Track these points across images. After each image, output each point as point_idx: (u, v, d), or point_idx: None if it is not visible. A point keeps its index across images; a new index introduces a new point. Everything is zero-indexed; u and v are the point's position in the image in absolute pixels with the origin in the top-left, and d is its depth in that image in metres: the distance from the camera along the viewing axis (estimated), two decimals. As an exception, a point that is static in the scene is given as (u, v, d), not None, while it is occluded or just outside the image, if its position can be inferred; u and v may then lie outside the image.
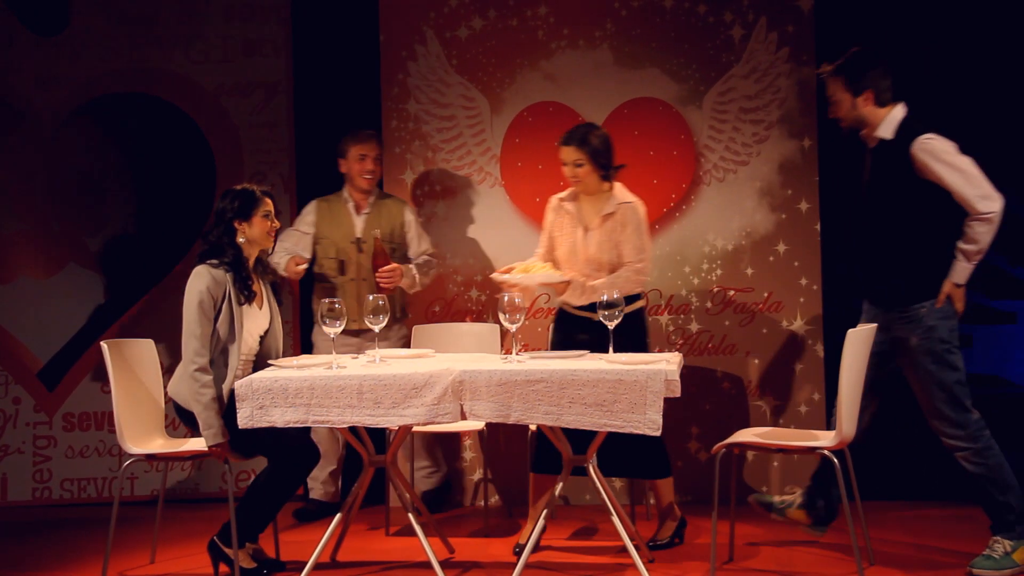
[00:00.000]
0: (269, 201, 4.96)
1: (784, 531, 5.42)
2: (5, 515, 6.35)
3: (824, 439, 4.65)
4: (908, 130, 4.64)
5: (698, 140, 6.15)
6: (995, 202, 4.55)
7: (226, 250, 4.86)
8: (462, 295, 6.25)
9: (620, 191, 5.23)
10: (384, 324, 4.83)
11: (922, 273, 4.67)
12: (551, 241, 5.36)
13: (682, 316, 6.13)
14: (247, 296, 4.86)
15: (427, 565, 4.74)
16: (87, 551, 5.42)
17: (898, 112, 4.71)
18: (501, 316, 4.75)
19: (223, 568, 4.84)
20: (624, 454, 5.10)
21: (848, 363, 4.48)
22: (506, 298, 4.74)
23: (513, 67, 6.26)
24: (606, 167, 5.15)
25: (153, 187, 6.66)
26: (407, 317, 6.04)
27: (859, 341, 4.52)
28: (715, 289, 6.10)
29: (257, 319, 4.94)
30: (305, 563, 4.74)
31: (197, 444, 4.86)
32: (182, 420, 4.90)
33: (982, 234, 4.57)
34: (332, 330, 4.73)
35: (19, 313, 6.63)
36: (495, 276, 5.21)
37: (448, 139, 6.30)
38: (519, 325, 4.79)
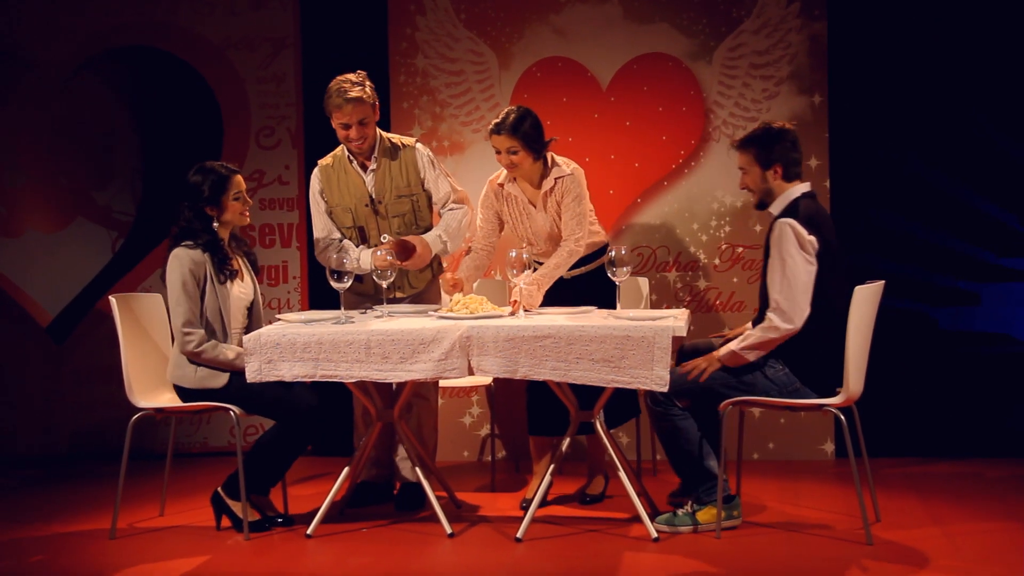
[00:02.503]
0: (239, 179, 4.93)
1: (790, 489, 5.45)
2: (15, 468, 6.39)
3: (831, 396, 4.65)
4: (789, 210, 4.58)
5: (707, 96, 6.11)
6: (789, 321, 4.46)
7: (199, 233, 4.86)
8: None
9: (557, 165, 5.16)
10: (391, 279, 4.84)
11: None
12: (494, 225, 5.31)
13: (690, 273, 6.12)
14: (228, 274, 4.88)
15: (435, 519, 4.77)
16: (96, 504, 5.46)
17: (796, 191, 4.65)
18: (509, 272, 4.75)
19: (225, 520, 4.88)
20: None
21: (855, 320, 4.47)
22: (513, 254, 4.74)
23: (522, 21, 6.21)
24: (539, 150, 5.09)
25: (160, 141, 6.66)
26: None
27: (866, 298, 4.51)
28: (723, 246, 6.08)
29: (242, 292, 4.96)
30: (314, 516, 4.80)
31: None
32: (185, 401, 4.90)
33: (761, 336, 4.51)
34: (340, 285, 4.75)
35: (27, 267, 6.65)
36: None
37: (456, 94, 6.27)
38: (527, 279, 4.80)
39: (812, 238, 4.50)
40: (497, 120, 5.06)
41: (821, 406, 4.58)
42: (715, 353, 4.64)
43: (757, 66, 6.06)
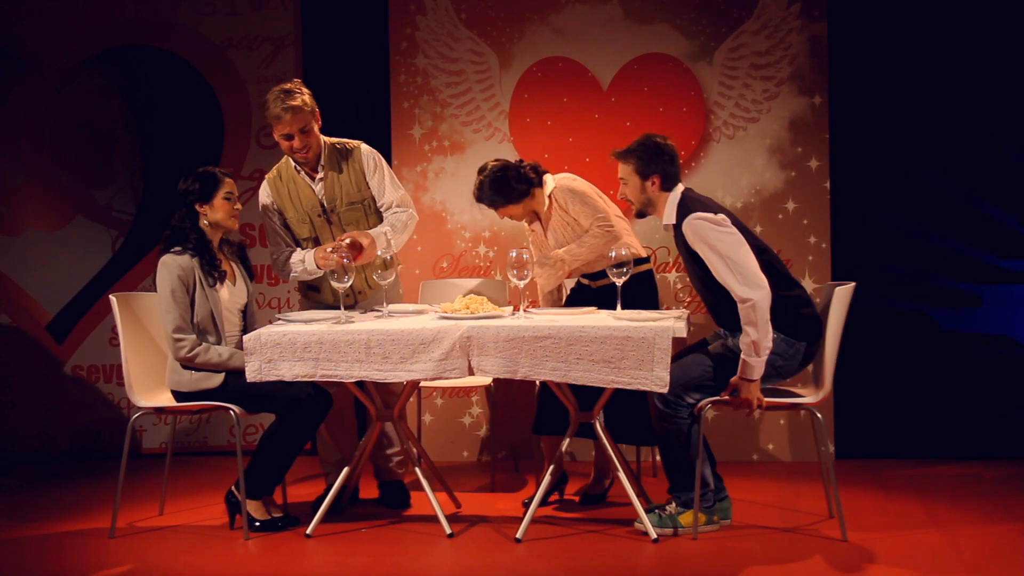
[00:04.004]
0: (230, 182, 4.94)
1: (789, 490, 5.45)
2: (15, 466, 6.39)
3: (807, 395, 4.66)
4: (683, 210, 4.63)
5: (708, 97, 6.11)
6: (755, 289, 4.45)
7: (188, 235, 4.86)
8: (470, 251, 6.25)
9: (547, 183, 5.16)
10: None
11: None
12: None
13: (690, 273, 6.11)
14: (217, 277, 4.88)
15: (434, 519, 4.77)
16: (96, 503, 5.46)
17: (676, 194, 4.71)
18: (509, 272, 4.75)
19: (239, 519, 4.87)
20: (626, 419, 5.13)
21: (833, 320, 4.53)
22: (514, 254, 4.74)
23: (522, 21, 6.21)
24: (521, 194, 5.09)
25: (160, 140, 6.66)
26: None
27: (842, 299, 4.56)
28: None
29: (234, 296, 4.96)
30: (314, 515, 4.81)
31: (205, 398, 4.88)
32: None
33: (747, 322, 4.45)
34: (341, 285, 4.73)
35: (27, 266, 6.65)
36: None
37: (457, 94, 6.27)
38: (527, 281, 4.80)
39: (720, 215, 4.58)
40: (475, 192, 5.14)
41: (797, 405, 4.59)
42: (743, 381, 4.56)
43: (758, 67, 6.06)
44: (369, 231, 5.04)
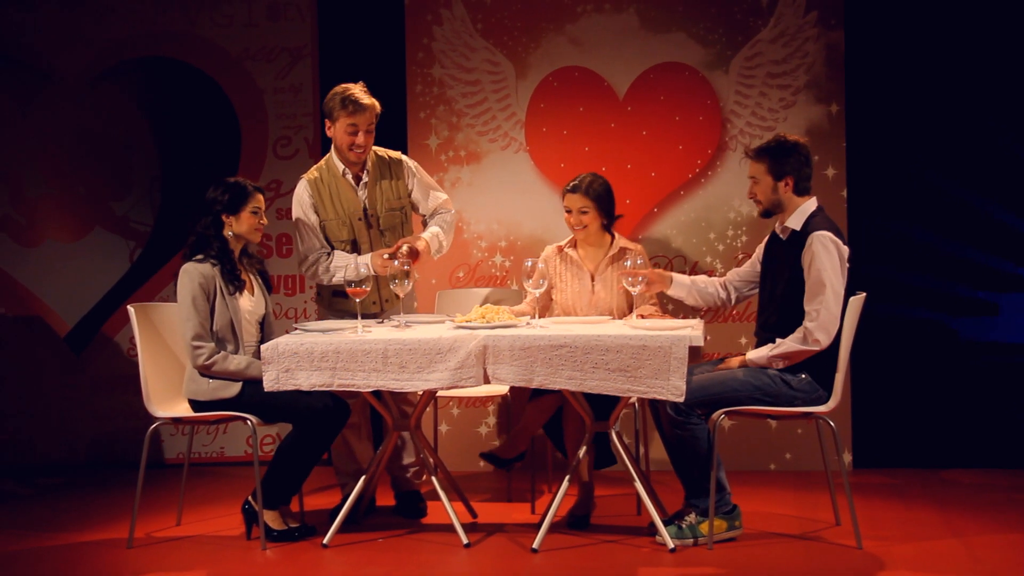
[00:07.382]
0: (260, 197, 4.95)
1: (808, 499, 5.43)
2: (33, 476, 6.41)
3: (820, 405, 4.65)
4: (815, 223, 4.63)
5: (724, 106, 6.10)
6: (830, 338, 4.52)
7: (211, 242, 4.87)
8: (486, 260, 6.25)
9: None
10: (409, 288, 4.82)
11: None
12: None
13: (707, 282, 6.10)
14: (236, 286, 4.89)
15: (451, 529, 4.77)
16: (114, 513, 5.47)
17: (812, 204, 4.72)
18: (525, 281, 4.76)
19: (256, 530, 4.88)
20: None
21: (846, 330, 4.53)
22: (530, 263, 4.75)
23: (538, 31, 6.22)
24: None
25: (178, 151, 6.68)
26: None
27: (856, 309, 4.55)
28: (740, 256, 6.07)
29: (252, 306, 4.97)
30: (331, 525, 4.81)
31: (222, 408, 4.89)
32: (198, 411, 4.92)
33: (796, 347, 4.55)
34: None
35: (46, 277, 6.68)
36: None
37: (473, 104, 6.28)
38: (543, 290, 4.80)
39: (846, 248, 4.59)
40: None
41: (809, 414, 4.58)
42: (741, 358, 4.71)
43: (774, 75, 6.05)
44: (421, 235, 5.15)
